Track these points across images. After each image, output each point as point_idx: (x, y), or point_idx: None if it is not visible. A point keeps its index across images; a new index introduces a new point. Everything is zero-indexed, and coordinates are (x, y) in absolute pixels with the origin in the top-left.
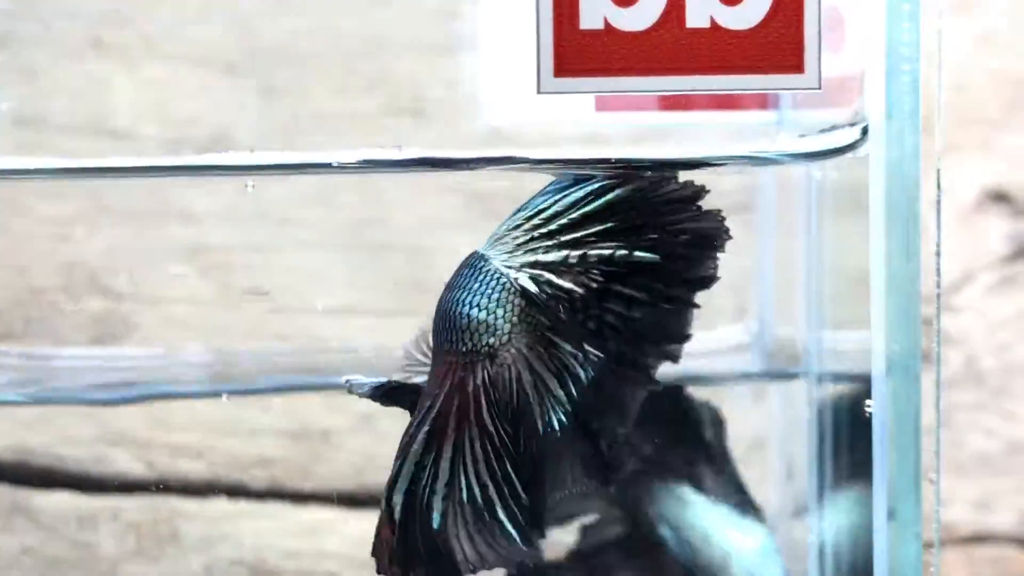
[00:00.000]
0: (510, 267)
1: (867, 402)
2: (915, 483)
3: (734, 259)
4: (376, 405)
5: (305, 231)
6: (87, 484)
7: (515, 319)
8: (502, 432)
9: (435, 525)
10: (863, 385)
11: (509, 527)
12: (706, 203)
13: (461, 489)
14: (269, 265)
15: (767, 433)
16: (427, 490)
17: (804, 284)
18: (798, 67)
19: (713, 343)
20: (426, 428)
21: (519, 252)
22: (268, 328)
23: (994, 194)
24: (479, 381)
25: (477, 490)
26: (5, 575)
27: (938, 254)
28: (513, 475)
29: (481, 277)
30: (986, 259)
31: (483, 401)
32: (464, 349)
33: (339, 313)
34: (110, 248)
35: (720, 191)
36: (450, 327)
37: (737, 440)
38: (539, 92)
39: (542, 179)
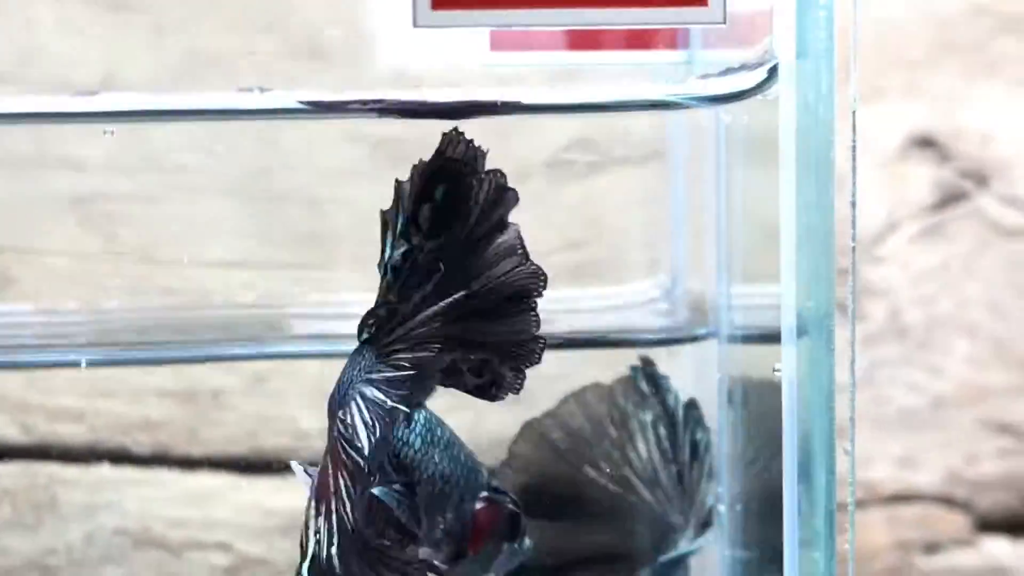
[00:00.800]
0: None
1: (776, 365)
2: (828, 447)
3: (646, 210)
4: (268, 364)
5: (196, 179)
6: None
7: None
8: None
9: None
10: (775, 344)
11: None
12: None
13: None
14: (156, 216)
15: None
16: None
17: (715, 236)
18: (701, 0)
19: (623, 298)
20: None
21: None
22: (154, 282)
23: (920, 140)
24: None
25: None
26: None
27: (853, 204)
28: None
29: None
30: (911, 208)
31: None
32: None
33: (231, 266)
34: None
35: (630, 140)
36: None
37: None
38: (415, 26)
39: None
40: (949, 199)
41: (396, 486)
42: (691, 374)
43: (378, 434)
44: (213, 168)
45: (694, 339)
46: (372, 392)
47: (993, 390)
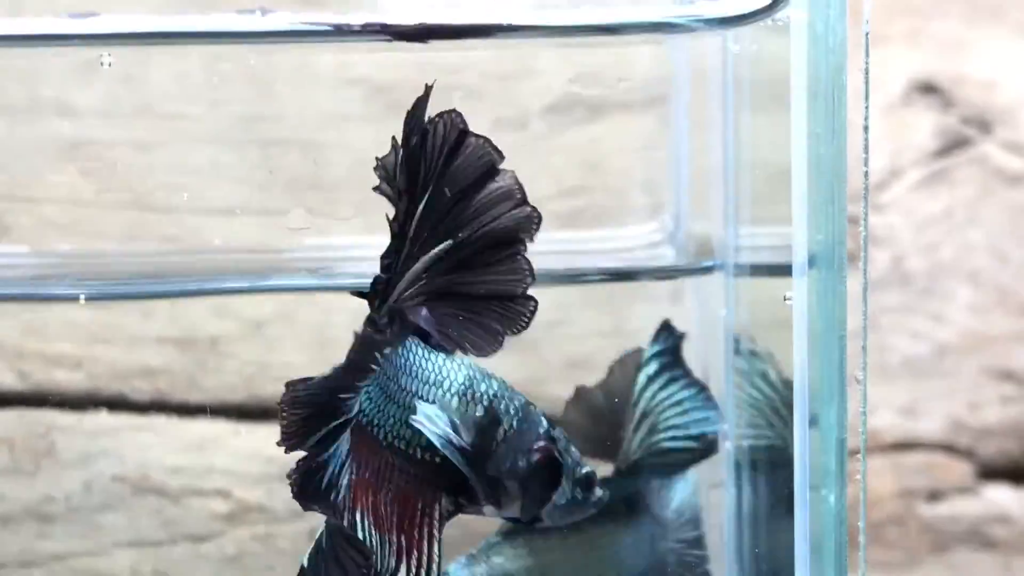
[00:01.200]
0: None
1: (787, 293)
2: (839, 385)
3: (648, 155)
4: (266, 310)
5: (192, 126)
6: None
7: None
8: None
9: None
10: (785, 277)
11: None
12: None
13: None
14: (152, 162)
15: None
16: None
17: (722, 177)
18: None
19: (624, 241)
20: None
21: None
22: (152, 230)
23: (923, 86)
24: None
25: None
26: None
27: (866, 128)
28: None
29: None
30: (914, 154)
31: None
32: None
33: (228, 213)
34: None
35: (632, 84)
36: None
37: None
38: None
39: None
40: (952, 146)
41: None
42: (695, 310)
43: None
44: (208, 115)
45: (698, 272)
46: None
47: (996, 337)
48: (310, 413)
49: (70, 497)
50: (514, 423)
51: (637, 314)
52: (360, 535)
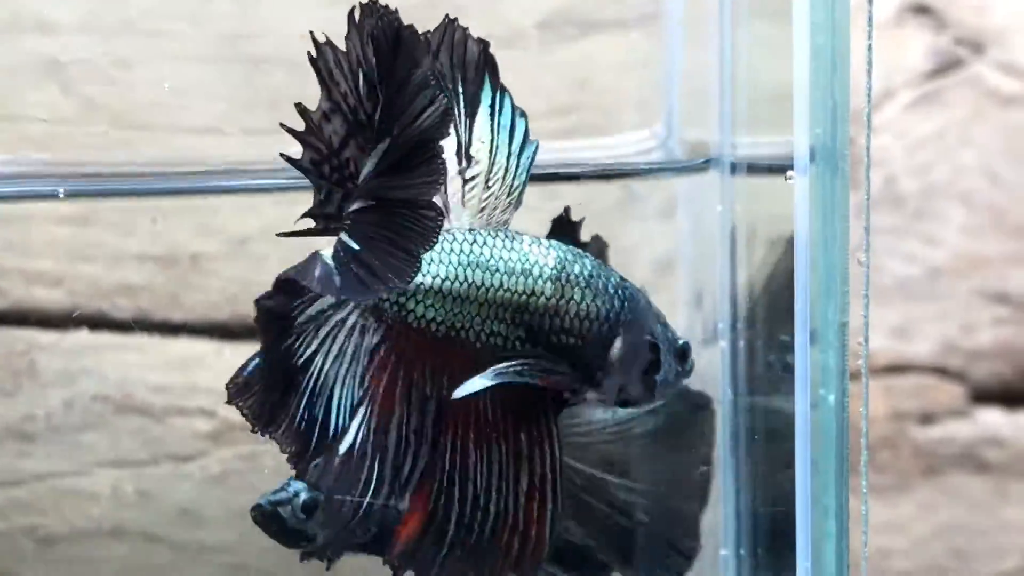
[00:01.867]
0: None
1: (788, 173)
2: (839, 301)
3: (641, 71)
4: (250, 226)
5: (175, 44)
6: None
7: None
8: None
9: None
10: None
11: None
12: None
13: None
14: (133, 81)
15: (676, 252)
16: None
17: (718, 86)
18: None
19: (616, 149)
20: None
21: None
22: (135, 147)
23: (915, 7)
24: None
25: None
26: None
27: (870, 43)
28: None
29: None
30: (907, 76)
31: None
32: None
33: (211, 132)
34: None
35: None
36: None
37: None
38: None
39: None
40: (945, 67)
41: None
42: (689, 207)
43: None
44: (190, 33)
45: (690, 170)
46: None
47: (990, 259)
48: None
49: (51, 416)
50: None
51: (630, 215)
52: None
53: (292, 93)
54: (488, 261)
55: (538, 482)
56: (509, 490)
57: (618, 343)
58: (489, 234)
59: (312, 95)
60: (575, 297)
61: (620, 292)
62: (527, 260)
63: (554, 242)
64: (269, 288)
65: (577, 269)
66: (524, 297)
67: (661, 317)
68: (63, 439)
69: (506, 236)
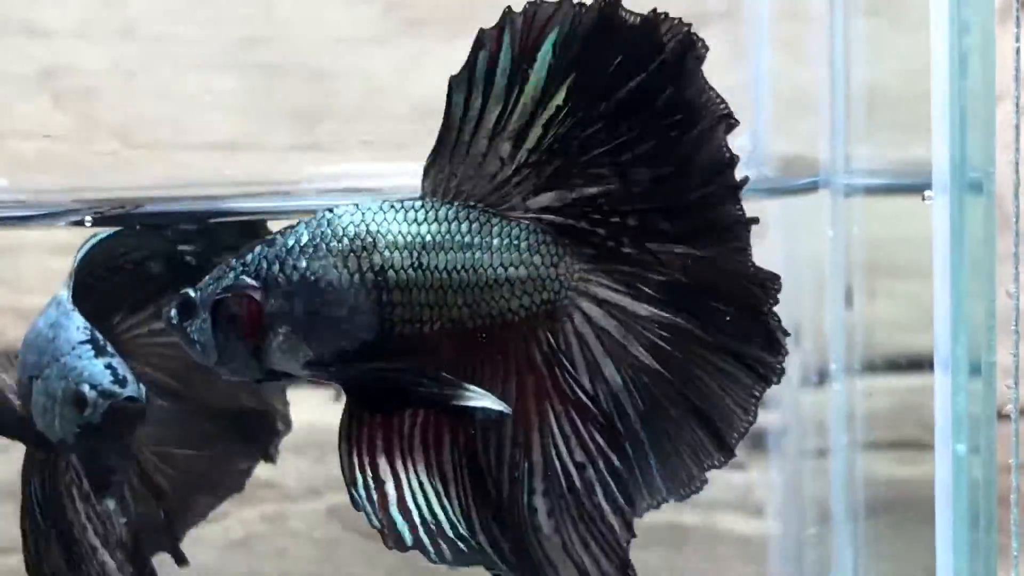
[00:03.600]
0: (511, 206)
1: (926, 192)
2: (985, 338)
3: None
4: None
5: (183, 49)
6: None
7: (555, 260)
8: (587, 400)
9: (544, 528)
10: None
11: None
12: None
13: (559, 478)
14: (139, 91)
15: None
16: (525, 489)
17: (828, 90)
18: None
19: None
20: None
21: (513, 192)
22: (138, 167)
23: None
24: (546, 347)
25: (575, 475)
26: None
27: (1018, 46)
28: (609, 450)
29: (488, 230)
30: None
31: (558, 370)
32: (510, 316)
33: (223, 148)
34: None
35: None
36: (476, 294)
37: None
38: None
39: None
40: None
41: None
42: (785, 229)
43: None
44: (199, 37)
45: (794, 191)
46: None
47: None
48: None
49: None
50: None
51: None
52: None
53: (315, 104)
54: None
55: None
56: None
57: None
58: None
59: (334, 106)
60: None
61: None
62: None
63: None
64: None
65: None
66: None
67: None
68: None
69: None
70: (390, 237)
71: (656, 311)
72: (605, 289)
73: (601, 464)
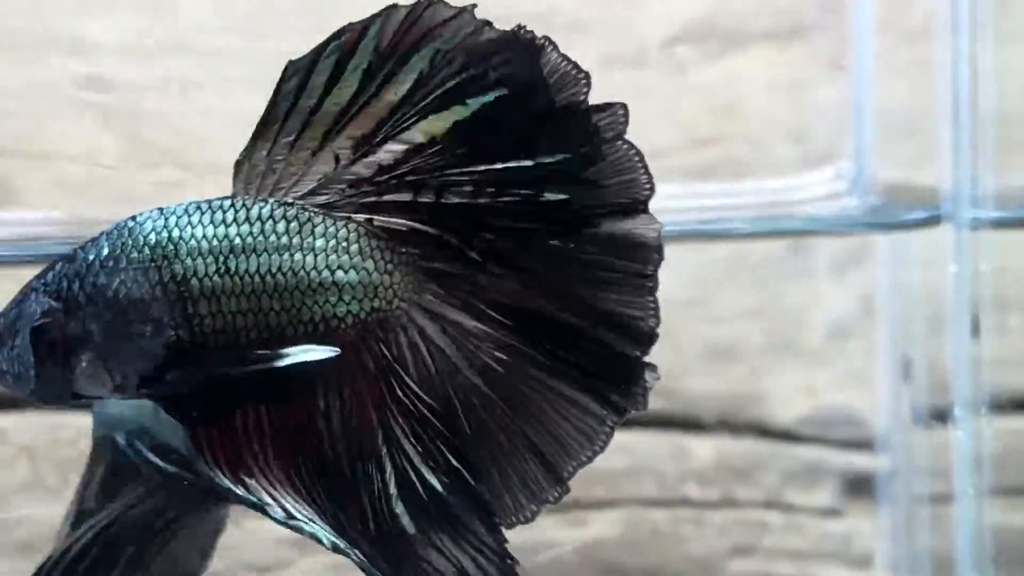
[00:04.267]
0: (335, 203)
1: None
2: None
3: (807, 90)
4: None
5: (234, 67)
6: None
7: (388, 266)
8: (428, 413)
9: (409, 531)
10: None
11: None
12: None
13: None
14: (189, 110)
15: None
16: (383, 496)
17: (950, 114)
18: None
19: (796, 192)
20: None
21: (344, 192)
22: (189, 192)
23: None
24: (381, 359)
25: (433, 481)
26: None
27: None
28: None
29: (310, 230)
30: None
31: (394, 381)
32: (336, 323)
33: None
34: None
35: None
36: (295, 299)
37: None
38: None
39: None
40: None
41: None
42: (892, 261)
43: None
44: (253, 51)
45: (911, 225)
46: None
47: None
48: None
49: None
50: None
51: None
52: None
53: None
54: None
55: None
56: None
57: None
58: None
59: None
60: None
61: None
62: None
63: None
64: None
65: None
66: None
67: None
68: None
69: None
70: (193, 243)
71: (492, 331)
72: (441, 303)
73: (453, 476)
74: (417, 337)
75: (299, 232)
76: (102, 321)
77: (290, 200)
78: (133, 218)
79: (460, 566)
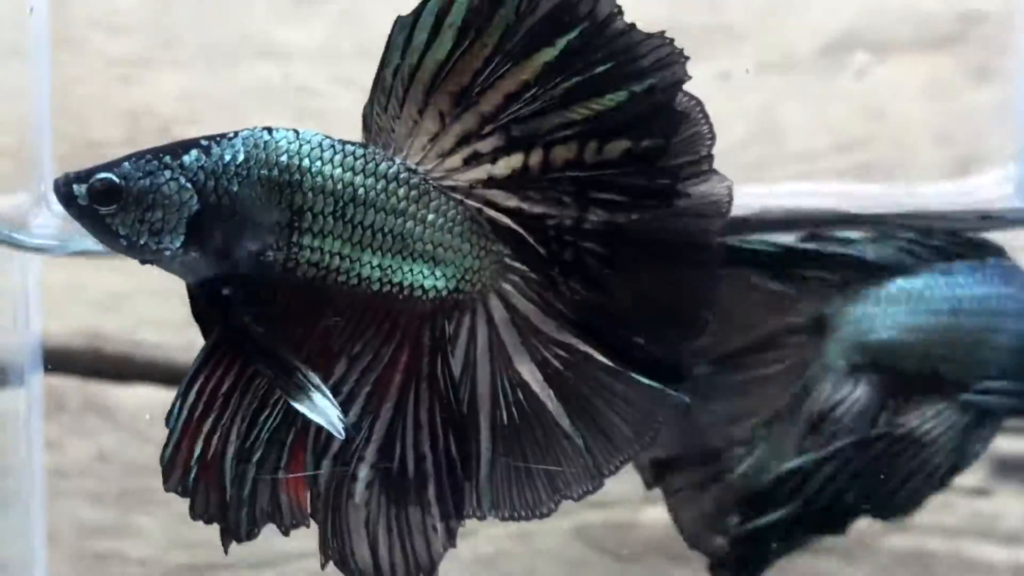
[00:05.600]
0: (454, 186)
1: None
2: None
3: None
4: None
5: None
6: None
7: (481, 254)
8: (452, 397)
9: (356, 497)
10: None
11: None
12: None
13: (394, 459)
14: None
15: None
16: (355, 456)
17: None
18: None
19: (961, 195)
20: (367, 388)
21: (460, 164)
22: None
23: None
24: (438, 332)
25: (411, 463)
26: (78, 485)
27: None
28: (456, 453)
29: (426, 202)
30: None
31: (439, 358)
32: (419, 293)
33: None
34: (182, 92)
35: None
36: (395, 262)
37: None
38: None
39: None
40: None
41: None
42: None
43: None
44: None
45: None
46: None
47: None
48: None
49: None
50: None
51: None
52: None
53: None
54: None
55: None
56: None
57: None
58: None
59: None
60: None
61: None
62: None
63: None
64: None
65: None
66: None
67: None
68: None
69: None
70: (320, 179)
71: (558, 329)
72: (519, 294)
73: (443, 464)
74: (481, 323)
75: (417, 201)
76: (224, 225)
77: (414, 166)
78: (269, 131)
79: (375, 547)
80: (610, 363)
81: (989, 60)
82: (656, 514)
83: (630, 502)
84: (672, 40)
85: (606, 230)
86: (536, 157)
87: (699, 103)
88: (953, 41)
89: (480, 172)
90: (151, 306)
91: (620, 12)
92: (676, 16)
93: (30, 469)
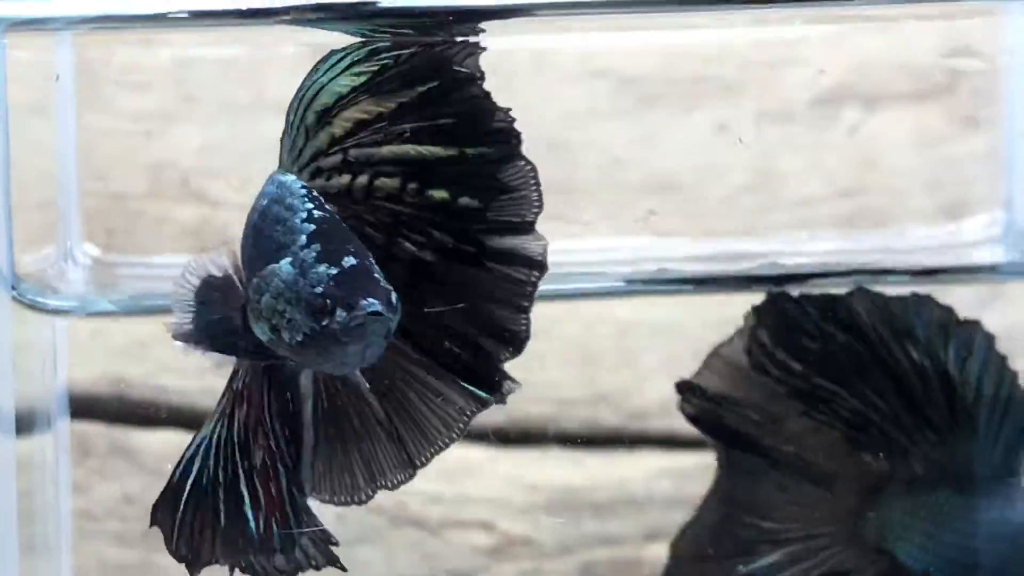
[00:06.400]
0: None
1: None
2: None
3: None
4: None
5: None
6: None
7: None
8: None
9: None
10: None
11: None
12: None
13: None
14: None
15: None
16: None
17: None
18: None
19: (949, 237)
20: None
21: (308, 178)
22: None
23: None
24: None
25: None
26: (104, 526)
27: None
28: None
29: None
30: None
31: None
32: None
33: None
34: (203, 146)
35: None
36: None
37: None
38: None
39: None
40: None
41: None
42: None
43: None
44: None
45: None
46: None
47: None
48: None
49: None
50: None
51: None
52: None
53: (554, 175)
54: None
55: None
56: None
57: None
58: None
59: (575, 177)
60: None
61: None
62: None
63: None
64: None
65: None
66: None
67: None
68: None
69: None
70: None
71: None
72: None
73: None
74: None
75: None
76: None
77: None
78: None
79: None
80: (424, 359)
81: (977, 109)
82: (660, 551)
83: (634, 540)
84: (514, 119)
85: (412, 264)
86: (362, 181)
87: (534, 169)
88: (942, 93)
89: (316, 185)
90: (173, 353)
91: (481, 78)
92: (674, 70)
93: (57, 512)
